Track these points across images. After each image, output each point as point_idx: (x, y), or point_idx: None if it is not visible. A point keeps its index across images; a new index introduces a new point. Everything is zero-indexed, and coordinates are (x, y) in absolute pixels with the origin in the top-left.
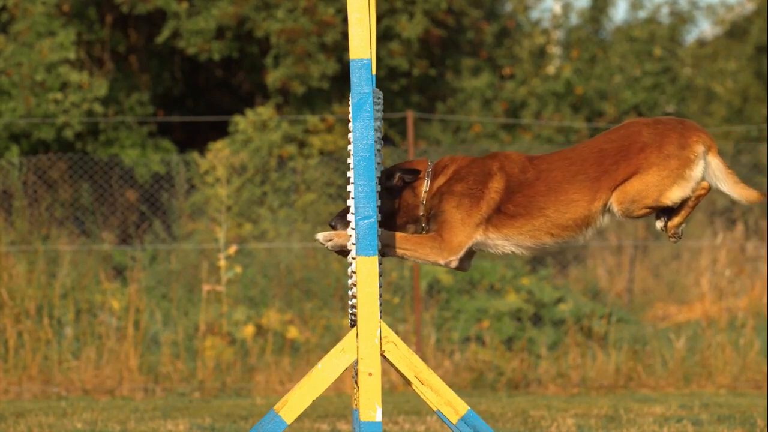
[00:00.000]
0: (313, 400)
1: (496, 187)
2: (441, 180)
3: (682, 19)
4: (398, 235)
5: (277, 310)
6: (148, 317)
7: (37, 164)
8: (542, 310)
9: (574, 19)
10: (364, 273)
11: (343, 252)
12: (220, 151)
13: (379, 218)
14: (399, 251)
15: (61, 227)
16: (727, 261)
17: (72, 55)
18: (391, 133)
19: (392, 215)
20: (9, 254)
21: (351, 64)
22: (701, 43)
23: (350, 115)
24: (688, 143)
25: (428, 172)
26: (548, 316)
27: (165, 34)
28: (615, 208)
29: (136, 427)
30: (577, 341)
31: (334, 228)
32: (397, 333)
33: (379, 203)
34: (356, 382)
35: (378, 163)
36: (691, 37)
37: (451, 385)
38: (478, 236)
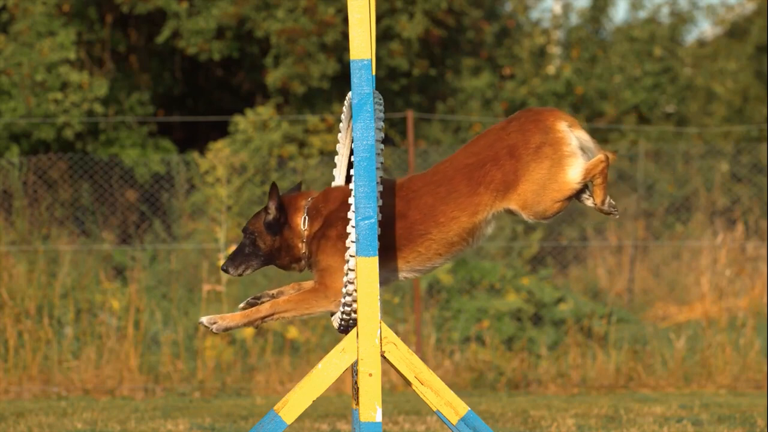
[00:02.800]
0: (314, 401)
1: None
2: (316, 225)
3: (682, 19)
4: (277, 301)
5: None
6: (148, 317)
7: (38, 164)
8: (542, 310)
9: (574, 19)
10: (365, 273)
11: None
12: (220, 151)
13: (379, 218)
14: (287, 314)
15: (61, 227)
16: (727, 261)
17: (72, 55)
18: (391, 133)
19: (275, 254)
20: (9, 254)
21: (351, 64)
22: (701, 43)
23: (342, 116)
24: (550, 125)
25: (306, 208)
26: (548, 316)
27: (165, 33)
28: (525, 215)
29: (136, 427)
30: (578, 341)
31: (226, 272)
32: (397, 333)
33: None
34: (356, 383)
35: (381, 163)
36: (691, 37)
37: (451, 385)
38: None
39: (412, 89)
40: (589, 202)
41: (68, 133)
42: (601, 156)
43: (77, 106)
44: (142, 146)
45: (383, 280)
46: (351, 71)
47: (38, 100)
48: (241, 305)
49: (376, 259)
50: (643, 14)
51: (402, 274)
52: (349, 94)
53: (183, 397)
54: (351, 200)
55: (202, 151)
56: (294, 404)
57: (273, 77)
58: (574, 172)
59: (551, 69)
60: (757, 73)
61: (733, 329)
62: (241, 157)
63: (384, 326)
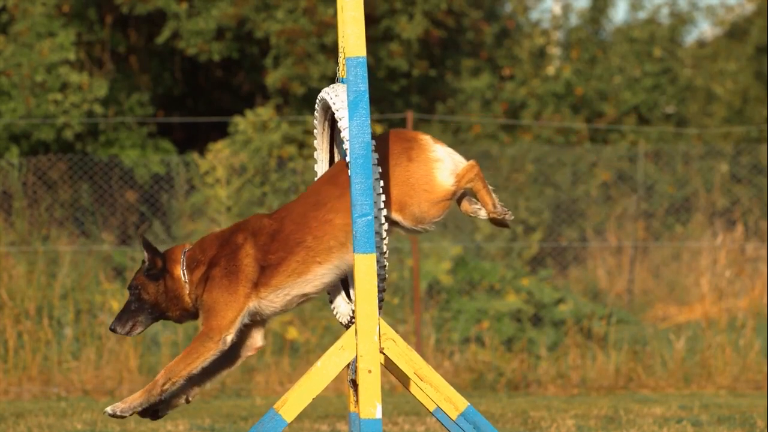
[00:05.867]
0: (313, 399)
1: (247, 252)
2: (199, 272)
3: (681, 20)
4: (169, 365)
5: None
6: None
7: (37, 165)
8: (542, 311)
9: (573, 20)
10: (363, 270)
11: (150, 411)
12: (220, 152)
13: (377, 214)
14: (182, 373)
15: (60, 228)
16: (727, 262)
17: (72, 56)
18: None
19: (162, 306)
20: (9, 255)
21: (346, 62)
22: (701, 43)
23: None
24: (412, 136)
25: (184, 255)
26: (548, 317)
27: (165, 34)
28: (403, 219)
29: (136, 428)
30: (577, 342)
31: (114, 331)
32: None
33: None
34: (353, 381)
35: (374, 165)
36: (691, 37)
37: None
38: (251, 304)
39: (412, 90)
40: (482, 213)
41: (68, 134)
42: (471, 162)
43: (77, 107)
44: (141, 147)
45: (273, 302)
46: (346, 69)
47: (38, 100)
48: None
49: (374, 256)
50: (642, 15)
51: (289, 294)
52: (321, 93)
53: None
54: (221, 245)
55: (202, 152)
56: (294, 402)
57: (273, 78)
58: (443, 174)
59: (551, 70)
60: (757, 73)
61: (732, 330)
62: (240, 157)
63: (383, 323)
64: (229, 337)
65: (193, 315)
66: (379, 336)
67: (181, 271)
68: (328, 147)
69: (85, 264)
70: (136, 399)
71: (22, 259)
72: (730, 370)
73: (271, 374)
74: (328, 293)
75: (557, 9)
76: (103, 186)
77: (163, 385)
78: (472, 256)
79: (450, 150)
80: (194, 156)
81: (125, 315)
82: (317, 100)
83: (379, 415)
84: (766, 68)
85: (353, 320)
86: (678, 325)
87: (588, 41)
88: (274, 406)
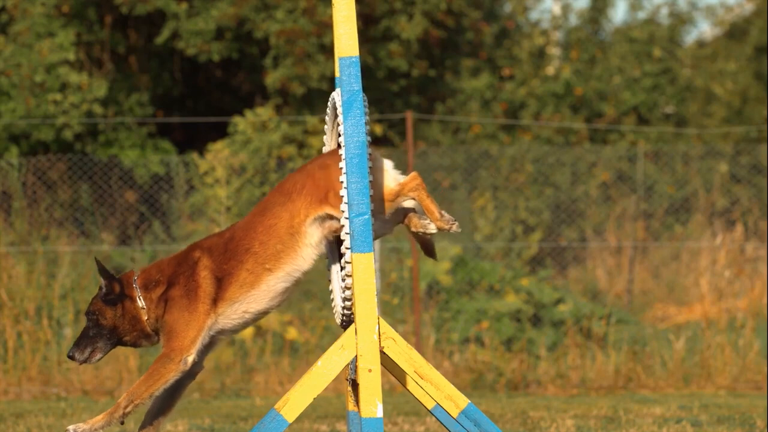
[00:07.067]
0: (314, 398)
1: (205, 265)
2: (158, 291)
3: (681, 20)
4: (131, 388)
5: (276, 311)
6: None
7: (37, 165)
8: (542, 311)
9: (573, 20)
10: (360, 269)
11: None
12: (219, 152)
13: (373, 213)
14: (144, 395)
15: (60, 228)
16: (726, 262)
17: (71, 56)
18: (390, 134)
19: (121, 331)
20: (8, 255)
21: (339, 61)
22: (701, 43)
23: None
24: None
25: (135, 283)
26: (548, 317)
27: (165, 34)
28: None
29: (136, 428)
30: (577, 342)
31: (72, 359)
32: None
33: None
34: (353, 380)
35: (370, 167)
36: (690, 37)
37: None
38: (210, 322)
39: (412, 90)
40: (432, 227)
41: (67, 134)
42: (414, 173)
43: (76, 107)
44: (141, 147)
45: (231, 317)
46: (339, 68)
47: (37, 101)
48: None
49: (372, 255)
50: (642, 15)
51: (243, 305)
52: (332, 94)
53: (182, 397)
54: (179, 263)
55: (202, 152)
56: (295, 402)
57: (272, 78)
58: (388, 177)
59: (550, 70)
60: (757, 74)
61: (732, 330)
62: (240, 158)
63: (382, 322)
64: (190, 358)
65: (151, 338)
66: (379, 335)
67: (137, 295)
68: (336, 146)
69: (84, 264)
70: (98, 421)
71: (22, 259)
72: (729, 371)
73: (271, 374)
74: (330, 291)
75: (557, 9)
76: (103, 186)
77: (126, 407)
78: (471, 257)
79: (393, 165)
80: (194, 156)
81: (84, 341)
82: (329, 100)
83: (380, 413)
84: (765, 68)
85: (344, 318)
86: (677, 326)
87: (587, 41)
88: (275, 407)
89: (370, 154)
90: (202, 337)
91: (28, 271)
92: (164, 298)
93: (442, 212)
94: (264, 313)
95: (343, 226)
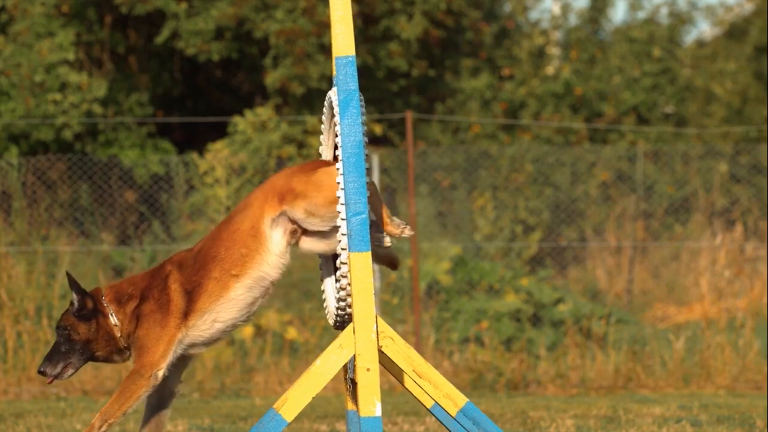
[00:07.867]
0: (313, 398)
1: (175, 278)
2: (130, 306)
3: (681, 20)
4: (103, 408)
5: (276, 311)
6: None
7: (37, 165)
8: (541, 311)
9: (573, 20)
10: (358, 268)
11: None
12: (219, 152)
13: (371, 216)
14: (117, 413)
15: (60, 228)
16: (726, 262)
17: (71, 56)
18: (390, 134)
19: (93, 345)
20: (8, 255)
21: (336, 61)
22: (700, 43)
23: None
24: (322, 161)
25: (112, 292)
26: (547, 317)
27: (164, 34)
28: (295, 212)
29: (136, 428)
30: (577, 342)
31: (43, 374)
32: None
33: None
34: (351, 379)
35: (367, 168)
36: (690, 37)
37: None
38: (181, 335)
39: (411, 90)
40: (386, 240)
41: (67, 134)
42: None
43: (76, 107)
44: (141, 147)
45: (203, 329)
46: (336, 68)
47: (37, 100)
48: None
49: (369, 254)
50: (642, 15)
51: (211, 316)
52: (329, 93)
53: (182, 397)
54: (152, 277)
55: (201, 152)
56: (294, 402)
57: (272, 78)
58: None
59: (550, 70)
60: (757, 73)
61: (732, 330)
62: (240, 158)
63: (380, 321)
64: (161, 372)
65: (123, 354)
66: (377, 334)
67: (108, 309)
68: (333, 145)
69: (84, 264)
70: None
71: (22, 259)
72: (729, 370)
73: (271, 374)
74: (322, 291)
75: (556, 9)
76: (103, 186)
77: (100, 427)
78: (471, 256)
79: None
80: (193, 156)
81: (56, 357)
82: (326, 99)
83: (378, 412)
84: (765, 68)
85: (337, 318)
86: (677, 325)
87: (587, 41)
88: (274, 406)
89: (324, 163)
90: (173, 351)
91: (28, 271)
92: (136, 313)
93: (393, 218)
94: (234, 324)
95: (304, 229)
